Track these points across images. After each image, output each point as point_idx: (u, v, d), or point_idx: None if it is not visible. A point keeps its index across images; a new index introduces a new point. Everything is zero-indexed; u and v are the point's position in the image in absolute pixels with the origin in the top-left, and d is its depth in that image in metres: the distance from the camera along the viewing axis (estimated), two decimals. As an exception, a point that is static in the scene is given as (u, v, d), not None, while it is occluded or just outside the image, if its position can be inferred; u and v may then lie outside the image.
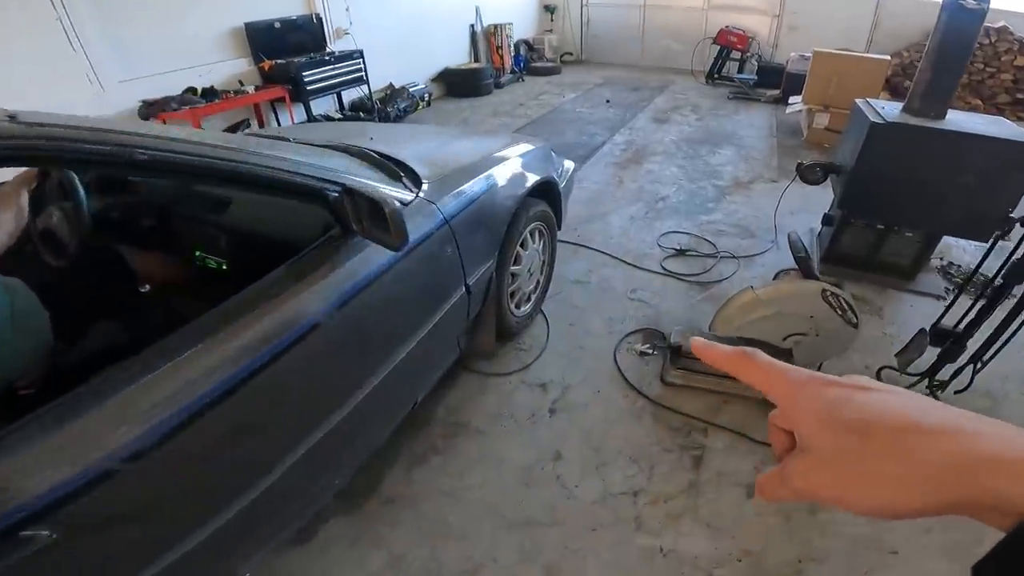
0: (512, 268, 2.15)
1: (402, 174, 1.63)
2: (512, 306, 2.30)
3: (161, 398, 0.92)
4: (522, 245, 2.19)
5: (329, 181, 1.25)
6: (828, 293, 1.68)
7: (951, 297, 2.13)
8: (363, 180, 1.37)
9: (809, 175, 2.56)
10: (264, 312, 1.10)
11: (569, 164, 2.75)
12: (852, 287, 2.82)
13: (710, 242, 3.28)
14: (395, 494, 1.78)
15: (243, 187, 1.21)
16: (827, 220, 2.82)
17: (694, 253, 3.15)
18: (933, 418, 0.28)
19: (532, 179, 2.14)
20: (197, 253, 1.56)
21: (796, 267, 1.84)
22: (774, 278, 2.07)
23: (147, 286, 1.57)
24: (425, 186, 1.63)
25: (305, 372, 1.21)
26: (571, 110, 6.44)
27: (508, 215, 1.97)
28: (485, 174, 1.89)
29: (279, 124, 4.89)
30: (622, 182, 4.27)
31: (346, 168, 1.50)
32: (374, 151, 1.75)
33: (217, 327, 1.04)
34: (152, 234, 1.62)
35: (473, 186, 1.79)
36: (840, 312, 1.70)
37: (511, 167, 2.06)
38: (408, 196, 1.54)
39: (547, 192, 2.36)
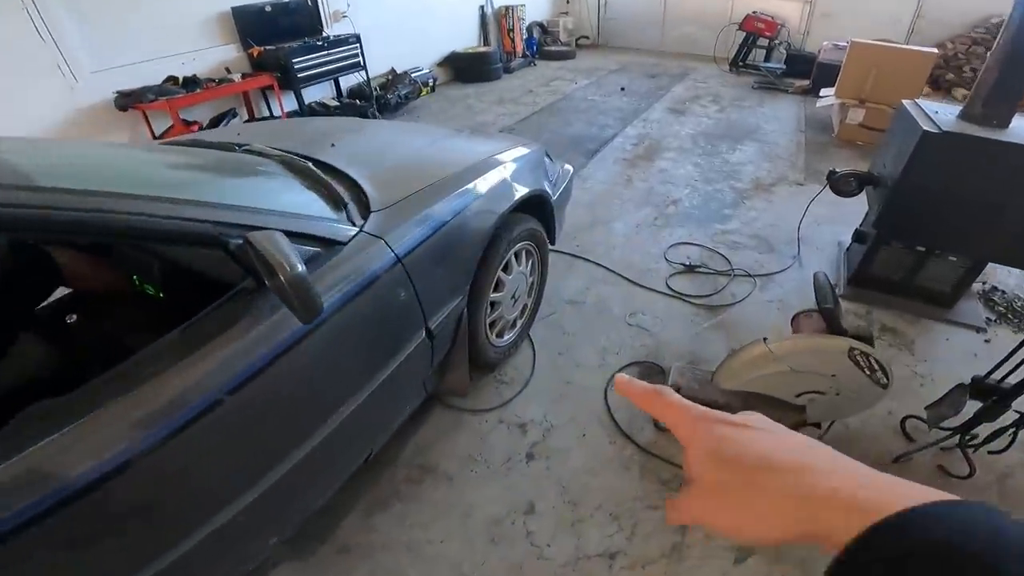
0: (492, 296, 1.89)
1: (347, 201, 1.36)
2: (493, 336, 2.04)
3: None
4: (505, 268, 1.93)
5: (231, 225, 1.00)
6: (857, 353, 1.39)
7: (992, 329, 1.80)
8: (280, 218, 1.11)
9: (842, 186, 2.23)
10: (143, 397, 0.87)
11: (567, 169, 2.46)
12: (881, 314, 2.50)
13: (724, 256, 2.97)
14: (352, 542, 1.61)
15: (122, 240, 0.98)
16: (859, 237, 2.49)
17: (704, 270, 2.84)
18: (790, 457, 0.32)
19: (519, 193, 1.85)
20: (135, 277, 1.35)
21: (817, 309, 1.54)
22: (792, 320, 1.77)
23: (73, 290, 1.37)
24: (374, 216, 1.36)
25: (204, 450, 0.98)
26: (582, 98, 6.07)
27: (485, 239, 1.70)
28: (459, 191, 1.61)
29: (271, 113, 4.65)
30: (631, 182, 3.94)
31: (269, 198, 1.25)
32: (318, 168, 1.50)
33: (82, 411, 0.83)
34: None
35: (441, 208, 1.52)
36: (868, 372, 1.40)
37: (493, 179, 1.77)
38: (348, 230, 1.27)
39: (538, 206, 2.08)
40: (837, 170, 2.30)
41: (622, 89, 6.38)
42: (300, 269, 0.89)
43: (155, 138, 3.74)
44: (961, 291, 2.46)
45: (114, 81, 3.58)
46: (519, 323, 2.23)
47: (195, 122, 3.90)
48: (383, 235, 1.32)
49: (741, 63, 7.21)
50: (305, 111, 4.65)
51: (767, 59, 7.18)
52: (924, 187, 2.09)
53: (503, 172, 1.84)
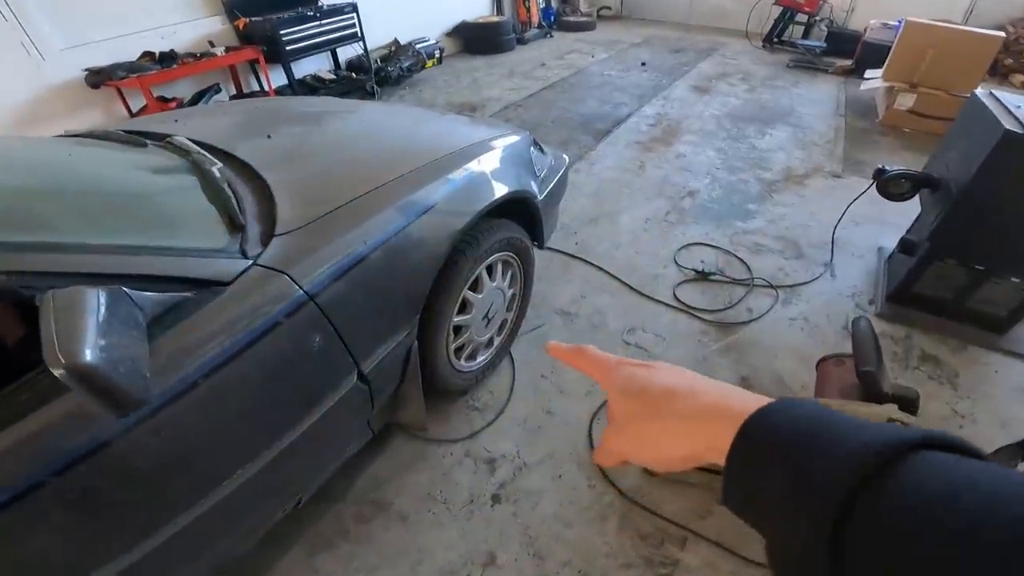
0: (456, 319, 1.60)
1: (243, 222, 1.08)
2: (461, 360, 1.76)
3: None
4: (475, 286, 1.63)
5: (40, 275, 0.74)
6: (897, 423, 1.07)
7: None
8: (124, 257, 0.84)
9: (892, 188, 1.85)
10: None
11: (562, 159, 2.12)
12: (923, 339, 2.14)
13: (743, 261, 2.60)
14: None
15: None
16: (907, 247, 2.10)
17: (719, 277, 2.49)
18: (685, 383, 0.38)
19: (492, 196, 1.54)
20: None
21: (852, 354, 1.21)
22: (817, 365, 1.44)
23: None
24: (277, 241, 1.07)
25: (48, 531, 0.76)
26: (598, 73, 5.61)
27: (439, 260, 1.39)
28: (405, 200, 1.30)
29: (261, 88, 4.36)
30: (643, 168, 3.56)
31: (135, 223, 0.97)
32: (235, 169, 1.21)
33: None
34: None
35: (376, 226, 1.21)
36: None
37: (457, 181, 1.46)
38: (233, 265, 0.98)
39: (521, 207, 1.76)
40: (887, 168, 1.90)
41: (643, 64, 5.88)
42: (85, 359, 0.62)
43: (131, 115, 3.51)
44: (1019, 316, 2.07)
45: (87, 58, 3.34)
46: (496, 341, 1.94)
47: (174, 99, 3.64)
48: (287, 267, 1.03)
49: (776, 40, 6.59)
50: (295, 86, 4.34)
51: (805, 36, 6.56)
52: (999, 197, 1.70)
53: (472, 169, 1.52)
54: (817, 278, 2.50)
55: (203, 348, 0.89)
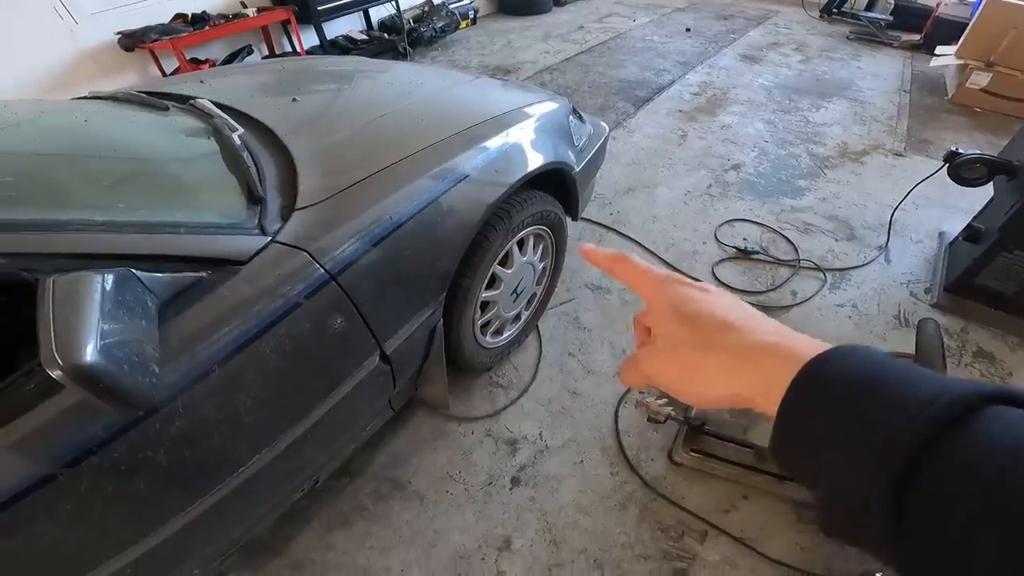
0: (484, 295, 1.52)
1: (262, 195, 1.01)
2: (486, 337, 1.69)
3: None
4: (504, 261, 1.55)
5: (42, 256, 0.69)
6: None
7: None
8: (135, 238, 0.78)
9: (965, 173, 1.66)
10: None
11: (602, 127, 1.99)
12: (980, 333, 1.98)
13: (789, 241, 2.44)
14: (305, 558, 1.43)
15: None
16: (972, 235, 1.91)
17: (762, 256, 2.34)
18: (743, 316, 0.34)
19: (527, 168, 1.44)
20: None
21: (910, 355, 1.08)
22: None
23: None
24: (298, 216, 1.00)
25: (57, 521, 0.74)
26: (640, 38, 5.30)
27: (469, 234, 1.31)
28: (435, 170, 1.21)
29: (293, 49, 4.28)
30: (685, 138, 3.36)
31: (146, 195, 0.92)
32: (256, 136, 1.14)
33: None
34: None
35: (404, 199, 1.13)
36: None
37: (492, 151, 1.35)
38: (251, 242, 0.92)
39: (556, 178, 1.66)
40: (960, 151, 1.70)
41: (687, 30, 5.53)
42: (85, 359, 0.57)
43: (164, 77, 3.49)
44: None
45: (120, 21, 3.31)
46: (524, 316, 1.87)
47: (207, 60, 3.60)
48: (307, 244, 0.96)
49: (836, 10, 6.10)
50: (326, 46, 4.24)
51: (869, 8, 6.04)
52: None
53: (508, 139, 1.41)
54: (870, 262, 2.32)
55: (216, 334, 0.83)
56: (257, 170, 1.06)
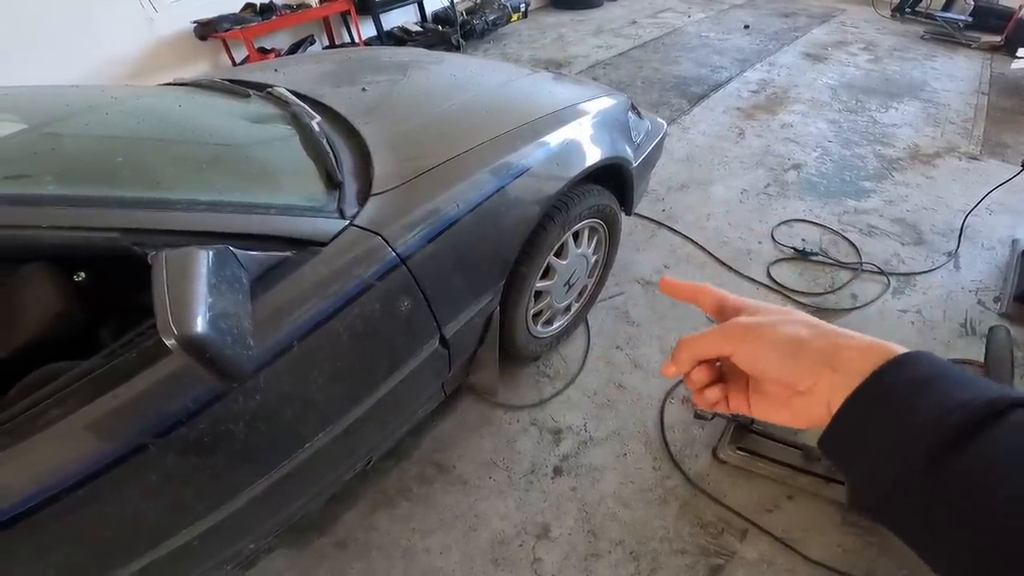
0: (538, 285, 1.54)
1: (341, 179, 1.05)
2: (538, 326, 1.71)
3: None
4: (559, 252, 1.56)
5: (149, 232, 0.74)
6: None
7: None
8: (230, 216, 0.83)
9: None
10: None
11: (659, 124, 1.97)
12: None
13: (851, 243, 2.34)
14: (349, 538, 1.46)
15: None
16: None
17: (821, 258, 2.25)
18: (820, 333, 0.34)
19: (586, 162, 1.45)
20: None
21: (978, 363, 1.03)
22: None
23: None
24: (374, 201, 1.04)
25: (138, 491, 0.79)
26: (695, 34, 5.18)
27: (530, 224, 1.33)
28: (501, 162, 1.23)
29: (351, 39, 4.40)
30: (743, 136, 3.27)
31: (236, 178, 0.96)
32: (321, 126, 1.19)
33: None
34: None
35: (471, 187, 1.16)
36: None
37: (554, 144, 1.37)
38: (331, 225, 0.96)
39: (613, 173, 1.65)
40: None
41: (745, 27, 5.36)
42: (196, 330, 0.61)
43: (235, 65, 3.66)
44: None
45: (195, 10, 3.49)
46: (574, 307, 1.87)
47: (272, 50, 3.76)
48: (381, 228, 1.00)
49: (909, 10, 5.79)
50: (383, 37, 4.35)
51: (947, 8, 5.70)
52: None
53: (569, 134, 1.42)
54: (937, 268, 2.20)
55: (297, 311, 0.87)
56: (335, 156, 1.11)
